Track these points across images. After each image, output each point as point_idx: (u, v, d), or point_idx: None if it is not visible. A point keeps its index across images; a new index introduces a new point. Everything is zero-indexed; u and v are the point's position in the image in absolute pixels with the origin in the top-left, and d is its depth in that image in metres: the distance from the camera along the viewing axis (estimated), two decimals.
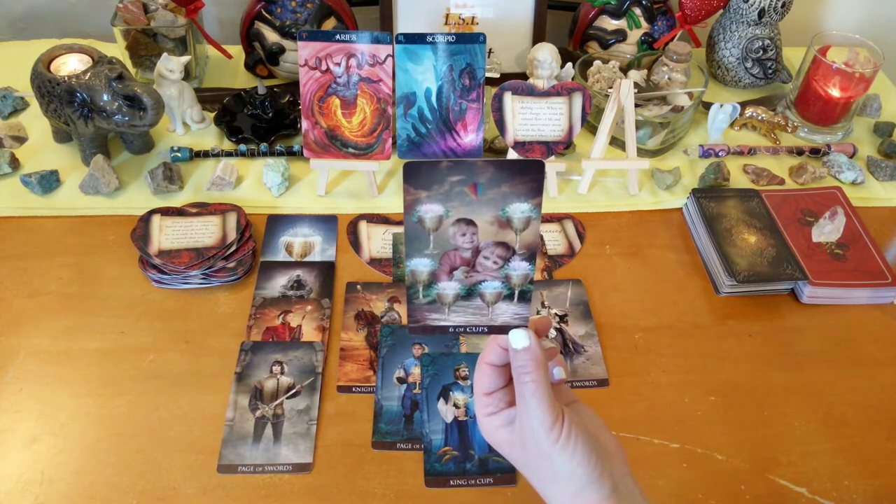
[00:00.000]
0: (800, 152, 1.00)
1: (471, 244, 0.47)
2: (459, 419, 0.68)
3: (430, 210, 0.45)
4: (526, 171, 0.44)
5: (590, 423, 0.48)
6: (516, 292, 0.49)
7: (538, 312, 0.78)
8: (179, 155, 0.93)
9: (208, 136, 0.99)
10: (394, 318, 0.78)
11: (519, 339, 0.48)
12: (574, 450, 0.45)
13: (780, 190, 0.94)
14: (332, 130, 0.87)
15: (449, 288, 0.49)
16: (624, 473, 0.47)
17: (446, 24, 1.06)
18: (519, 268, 0.48)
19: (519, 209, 0.45)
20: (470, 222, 0.46)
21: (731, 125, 1.05)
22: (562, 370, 0.50)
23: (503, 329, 0.49)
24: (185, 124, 0.99)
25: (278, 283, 0.80)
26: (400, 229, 0.87)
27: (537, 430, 0.45)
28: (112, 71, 0.83)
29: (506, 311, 0.49)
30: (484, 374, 0.50)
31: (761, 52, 1.08)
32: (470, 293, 0.49)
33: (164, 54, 0.93)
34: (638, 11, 1.09)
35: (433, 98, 0.85)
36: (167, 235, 0.82)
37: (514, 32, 1.08)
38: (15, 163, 0.92)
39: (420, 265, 0.48)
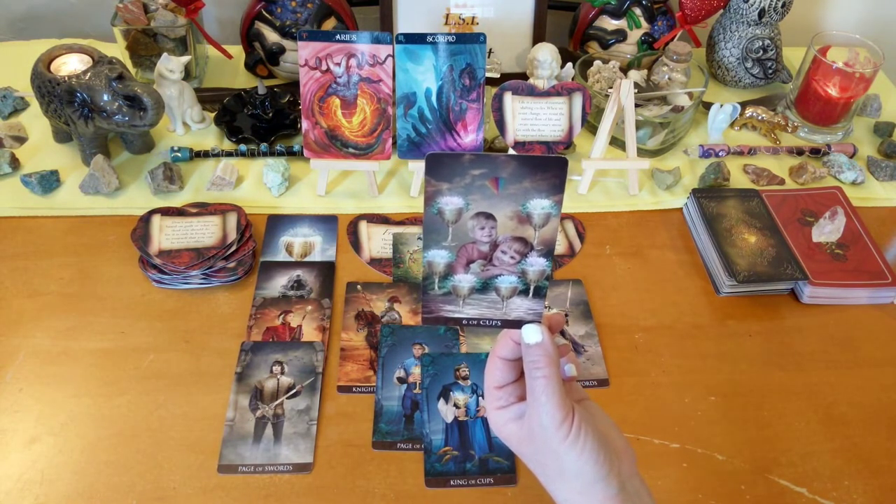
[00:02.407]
0: (800, 152, 1.00)
1: (489, 238, 0.47)
2: (460, 419, 0.68)
3: (450, 202, 0.45)
4: (548, 167, 0.44)
5: (599, 421, 0.48)
6: (532, 288, 0.48)
7: None
8: (179, 155, 0.93)
9: (208, 136, 0.99)
10: (394, 318, 0.77)
11: (532, 334, 0.47)
12: (583, 447, 0.45)
13: (780, 190, 0.94)
14: (332, 130, 0.87)
15: (464, 281, 0.48)
16: (632, 473, 0.47)
17: (446, 24, 1.06)
18: (536, 264, 0.48)
19: (539, 205, 0.45)
20: (489, 216, 0.46)
21: (731, 125, 1.05)
22: (573, 367, 0.50)
23: (516, 324, 0.49)
24: (186, 124, 0.99)
25: (278, 283, 0.80)
26: (400, 229, 0.87)
27: (547, 426, 0.45)
28: (112, 71, 0.83)
29: (520, 307, 0.49)
30: (496, 368, 0.50)
31: (761, 52, 1.08)
32: (485, 287, 0.49)
33: (164, 54, 0.93)
34: (638, 11, 1.09)
35: (433, 98, 0.85)
36: (167, 235, 0.82)
37: (514, 32, 1.08)
38: (15, 163, 0.92)
39: (437, 257, 0.47)
